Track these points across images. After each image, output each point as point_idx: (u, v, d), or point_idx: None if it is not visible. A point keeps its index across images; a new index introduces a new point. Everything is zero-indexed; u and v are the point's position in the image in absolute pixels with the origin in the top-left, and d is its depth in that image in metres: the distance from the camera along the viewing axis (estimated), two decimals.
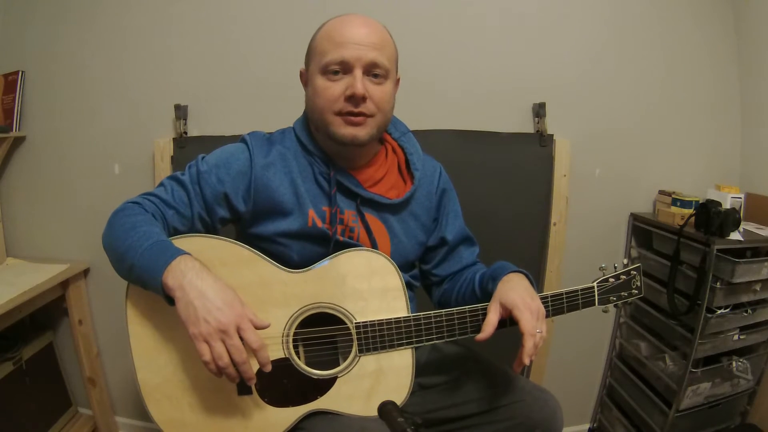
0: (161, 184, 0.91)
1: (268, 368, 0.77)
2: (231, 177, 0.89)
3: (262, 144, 0.93)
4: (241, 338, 0.75)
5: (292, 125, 0.99)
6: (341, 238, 0.92)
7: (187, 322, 0.73)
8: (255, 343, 0.75)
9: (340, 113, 0.86)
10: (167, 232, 0.85)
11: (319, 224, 0.91)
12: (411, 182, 0.99)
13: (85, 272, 1.66)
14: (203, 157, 0.92)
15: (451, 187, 1.08)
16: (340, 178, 0.92)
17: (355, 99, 0.85)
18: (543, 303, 0.89)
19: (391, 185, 0.98)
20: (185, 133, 1.52)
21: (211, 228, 0.91)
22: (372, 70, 0.86)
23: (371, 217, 0.95)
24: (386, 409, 0.65)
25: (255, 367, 0.77)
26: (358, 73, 0.85)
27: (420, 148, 1.03)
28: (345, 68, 0.85)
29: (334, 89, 0.85)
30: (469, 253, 1.07)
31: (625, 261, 0.99)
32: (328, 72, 0.86)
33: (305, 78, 0.94)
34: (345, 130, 0.87)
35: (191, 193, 0.88)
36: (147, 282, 0.77)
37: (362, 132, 0.87)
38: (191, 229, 0.89)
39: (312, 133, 0.94)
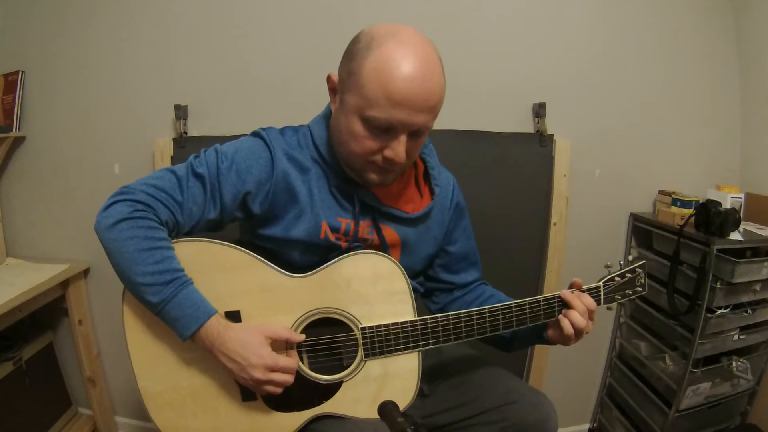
0: (175, 175, 0.82)
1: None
2: (253, 176, 0.83)
3: (280, 144, 0.87)
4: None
5: (307, 125, 0.92)
6: (351, 245, 0.90)
7: (234, 376, 0.81)
8: (288, 374, 0.81)
9: (372, 163, 0.82)
10: (174, 233, 0.82)
11: (332, 238, 0.88)
12: (429, 195, 0.97)
13: (85, 272, 1.66)
14: (220, 150, 0.84)
15: (464, 201, 1.06)
16: (359, 194, 0.89)
17: (393, 163, 0.80)
18: (549, 303, 0.89)
19: (407, 199, 0.95)
20: (185, 133, 1.52)
21: (213, 228, 0.87)
22: (416, 132, 0.80)
23: (387, 229, 0.93)
24: (386, 409, 0.65)
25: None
26: (402, 138, 0.78)
27: (438, 158, 1.01)
28: (390, 130, 0.78)
29: (372, 143, 0.79)
30: (473, 270, 1.08)
31: (631, 258, 0.98)
32: (370, 125, 0.78)
33: (337, 88, 0.84)
34: (373, 176, 0.84)
35: (208, 194, 0.82)
36: (166, 322, 0.79)
37: (390, 178, 0.86)
38: (194, 228, 0.84)
39: (332, 146, 0.88)
